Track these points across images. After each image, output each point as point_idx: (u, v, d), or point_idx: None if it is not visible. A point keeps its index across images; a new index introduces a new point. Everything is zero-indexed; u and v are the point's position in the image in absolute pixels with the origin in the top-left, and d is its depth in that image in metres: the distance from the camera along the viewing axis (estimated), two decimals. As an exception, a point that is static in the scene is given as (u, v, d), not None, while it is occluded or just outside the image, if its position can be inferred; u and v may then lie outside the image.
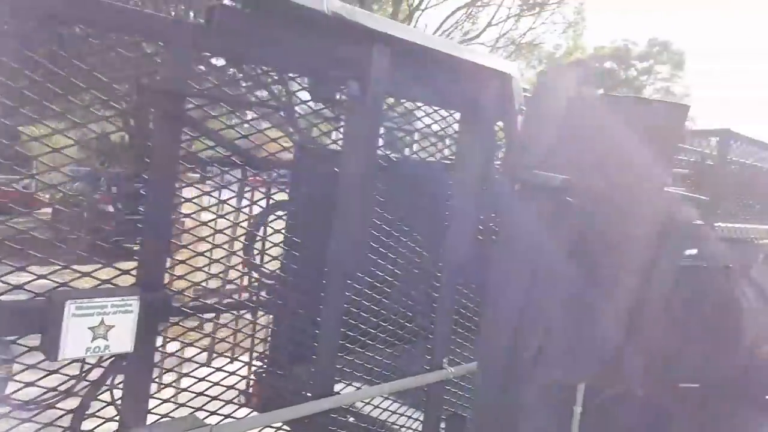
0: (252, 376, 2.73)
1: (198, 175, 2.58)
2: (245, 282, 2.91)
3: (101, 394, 2.19)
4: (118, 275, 2.24)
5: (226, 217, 2.57)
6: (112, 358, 2.15)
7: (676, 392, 2.91)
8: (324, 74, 2.16)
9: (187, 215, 2.98)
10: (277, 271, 2.62)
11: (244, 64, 2.54)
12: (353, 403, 1.90)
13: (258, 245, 2.67)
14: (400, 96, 2.37)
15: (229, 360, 2.61)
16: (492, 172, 1.93)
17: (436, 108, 2.49)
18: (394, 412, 2.01)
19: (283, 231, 2.57)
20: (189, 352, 2.51)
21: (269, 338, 2.74)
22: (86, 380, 2.19)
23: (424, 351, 1.87)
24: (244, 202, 2.63)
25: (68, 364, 2.05)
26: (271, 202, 2.68)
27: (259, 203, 2.65)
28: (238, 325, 2.63)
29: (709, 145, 2.56)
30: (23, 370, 2.03)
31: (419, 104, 2.54)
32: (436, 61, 2.09)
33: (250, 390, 2.70)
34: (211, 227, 2.47)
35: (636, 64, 59.83)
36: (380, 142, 2.28)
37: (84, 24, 1.95)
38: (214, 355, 2.89)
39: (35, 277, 2.02)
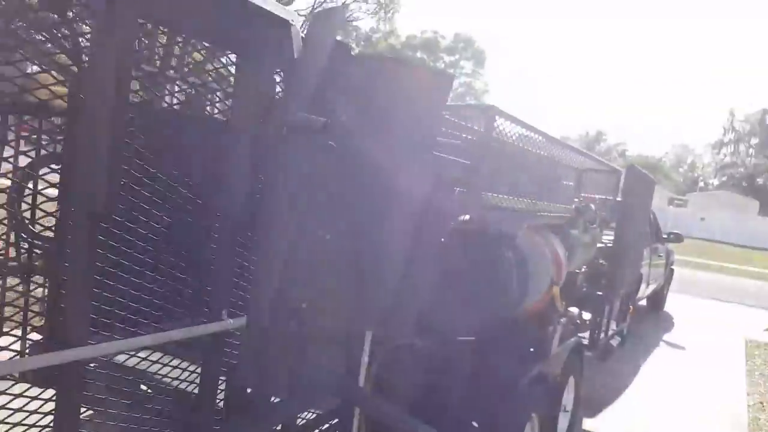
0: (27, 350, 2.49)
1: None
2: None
3: None
4: None
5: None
6: None
7: (455, 345, 3.27)
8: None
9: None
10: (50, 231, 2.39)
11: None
12: (114, 356, 1.82)
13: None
14: (162, 23, 2.12)
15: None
16: (271, 120, 1.97)
17: (209, 45, 2.35)
18: (176, 367, 1.97)
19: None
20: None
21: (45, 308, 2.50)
22: None
23: (201, 302, 1.87)
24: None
25: None
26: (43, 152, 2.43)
27: (28, 153, 2.38)
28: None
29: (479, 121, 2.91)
30: None
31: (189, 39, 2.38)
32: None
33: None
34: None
35: (444, 57, 64.54)
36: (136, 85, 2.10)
37: None
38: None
39: None
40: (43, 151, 2.42)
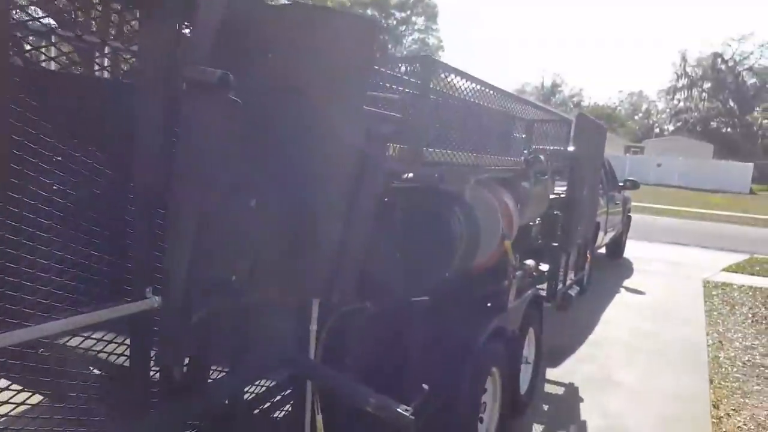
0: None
1: None
2: None
3: None
4: None
5: None
6: None
7: (408, 306, 3.27)
8: None
9: None
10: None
11: None
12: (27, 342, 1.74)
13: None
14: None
15: None
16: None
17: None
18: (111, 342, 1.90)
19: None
20: None
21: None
22: None
23: (122, 280, 1.79)
24: None
25: None
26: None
27: None
28: None
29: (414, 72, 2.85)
30: None
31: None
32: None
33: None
34: None
35: (395, 13, 63.79)
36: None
37: None
38: None
39: None
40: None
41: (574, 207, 5.43)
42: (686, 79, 69.57)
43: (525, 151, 4.58)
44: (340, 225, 2.04)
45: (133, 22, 2.16)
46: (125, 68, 2.26)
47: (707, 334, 7.42)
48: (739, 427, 4.80)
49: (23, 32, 1.98)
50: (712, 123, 67.90)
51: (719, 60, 66.24)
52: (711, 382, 5.79)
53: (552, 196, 5.48)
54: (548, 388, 5.49)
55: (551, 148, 5.42)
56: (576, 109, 65.51)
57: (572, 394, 5.38)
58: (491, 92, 3.48)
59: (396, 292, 3.09)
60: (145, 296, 1.62)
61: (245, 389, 2.54)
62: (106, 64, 2.42)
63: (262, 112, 1.68)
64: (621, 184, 11.61)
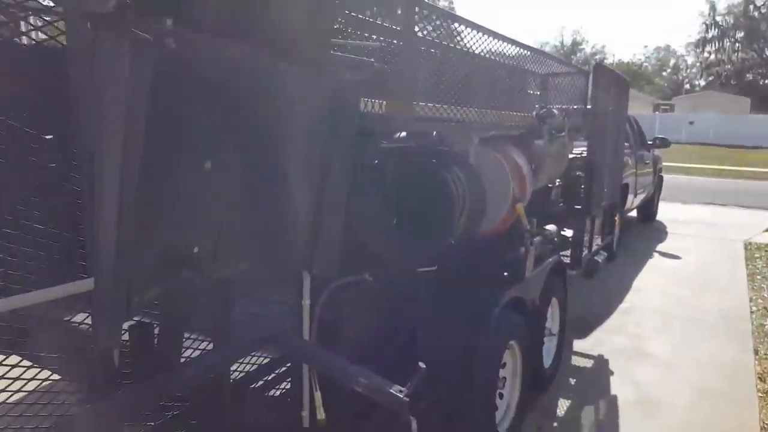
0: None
1: None
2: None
3: None
4: None
5: None
6: None
7: (410, 278, 3.09)
8: None
9: None
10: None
11: None
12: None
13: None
14: None
15: None
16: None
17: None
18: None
19: None
20: None
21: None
22: None
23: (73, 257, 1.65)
24: None
25: None
26: None
27: None
28: None
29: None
30: None
31: None
32: None
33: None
34: None
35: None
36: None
37: None
38: None
39: None
40: None
41: (596, 167, 5.16)
42: (716, 30, 67.32)
43: (537, 106, 4.32)
44: (312, 188, 1.86)
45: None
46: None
47: (750, 300, 7.03)
48: (788, 398, 4.53)
49: None
50: (747, 75, 65.81)
51: (751, 6, 63.90)
52: (756, 353, 5.45)
53: (572, 156, 5.22)
54: (575, 360, 5.27)
55: (572, 107, 5.15)
56: (600, 68, 63.76)
57: (601, 366, 5.16)
58: (493, 39, 3.23)
59: (395, 262, 2.91)
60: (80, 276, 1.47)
61: (232, 366, 2.40)
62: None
63: (210, 58, 1.48)
64: (650, 142, 11.19)
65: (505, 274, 3.84)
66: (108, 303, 1.31)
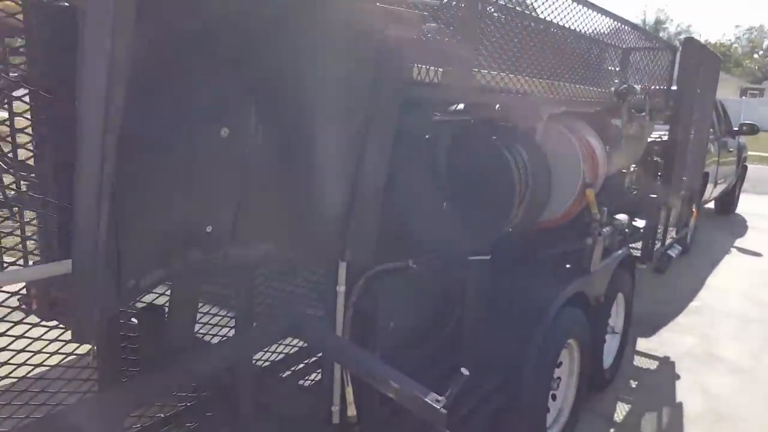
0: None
1: None
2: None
3: None
4: None
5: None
6: None
7: (465, 266, 2.83)
8: None
9: None
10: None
11: None
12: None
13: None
14: None
15: None
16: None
17: None
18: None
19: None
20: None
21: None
22: None
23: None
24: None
25: None
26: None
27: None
28: None
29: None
30: None
31: None
32: None
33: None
34: None
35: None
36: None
37: None
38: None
39: None
40: None
41: (677, 153, 4.71)
42: (819, 9, 62.44)
43: (615, 82, 3.91)
44: (346, 161, 1.61)
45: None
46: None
47: (840, 306, 6.45)
48: None
49: None
50: None
51: None
52: None
53: (650, 139, 4.78)
54: (638, 361, 4.90)
55: (656, 87, 4.69)
56: (685, 48, 60.62)
57: (667, 370, 4.78)
58: (570, 2, 2.87)
59: (443, 249, 2.64)
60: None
61: (254, 356, 2.22)
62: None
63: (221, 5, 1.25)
64: (736, 129, 10.38)
65: (568, 266, 3.52)
66: (88, 287, 1.12)
